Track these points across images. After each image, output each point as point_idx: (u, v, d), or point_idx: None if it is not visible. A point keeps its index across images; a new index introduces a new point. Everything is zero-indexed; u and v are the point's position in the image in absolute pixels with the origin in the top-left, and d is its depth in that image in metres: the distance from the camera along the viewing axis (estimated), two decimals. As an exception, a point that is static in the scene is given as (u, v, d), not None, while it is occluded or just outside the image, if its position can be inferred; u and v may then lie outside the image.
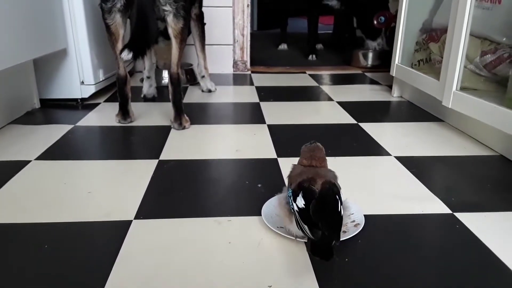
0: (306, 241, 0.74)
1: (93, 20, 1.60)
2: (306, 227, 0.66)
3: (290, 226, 0.74)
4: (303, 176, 0.73)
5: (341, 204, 0.70)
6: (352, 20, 3.05)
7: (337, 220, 0.68)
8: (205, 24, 1.84)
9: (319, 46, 3.09)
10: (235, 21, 2.27)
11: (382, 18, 2.31)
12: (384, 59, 2.35)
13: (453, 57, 1.31)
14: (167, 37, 1.75)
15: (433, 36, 1.61)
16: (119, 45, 1.33)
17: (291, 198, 0.71)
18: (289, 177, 0.78)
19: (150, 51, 1.73)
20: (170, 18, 1.29)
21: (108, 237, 0.79)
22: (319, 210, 0.67)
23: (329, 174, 0.75)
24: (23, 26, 1.28)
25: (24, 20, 1.29)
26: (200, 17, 1.79)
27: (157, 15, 1.32)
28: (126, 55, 1.15)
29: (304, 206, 0.68)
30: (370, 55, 2.45)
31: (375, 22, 2.34)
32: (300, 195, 0.70)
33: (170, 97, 1.38)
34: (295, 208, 0.70)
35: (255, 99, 1.79)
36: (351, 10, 2.71)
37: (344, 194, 0.74)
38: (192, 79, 2.06)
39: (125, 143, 1.31)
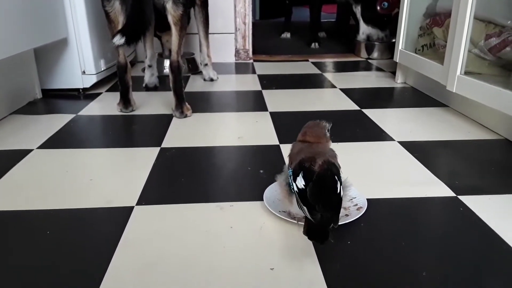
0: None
1: (94, 9, 1.59)
2: (305, 208, 0.65)
3: (291, 207, 0.73)
4: (302, 155, 0.71)
5: (341, 184, 0.69)
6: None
7: (335, 201, 0.67)
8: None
9: (322, 34, 3.06)
10: (237, 9, 2.25)
11: (386, 3, 2.28)
12: (388, 52, 2.32)
13: (457, 41, 1.29)
14: None
15: (437, 20, 1.59)
16: None
17: (291, 178, 0.71)
18: (289, 156, 0.77)
19: (151, 39, 1.72)
20: (169, 5, 1.28)
21: (110, 223, 0.79)
22: (316, 192, 0.66)
23: (329, 152, 0.73)
24: (22, 15, 1.27)
25: (24, 9, 1.28)
26: (205, 3, 1.78)
27: (156, 3, 1.30)
28: (118, 40, 1.13)
29: (303, 187, 0.67)
30: (375, 47, 2.40)
31: (378, 7, 2.31)
32: (300, 175, 0.68)
33: (171, 85, 1.37)
34: (295, 188, 0.69)
35: (258, 87, 1.78)
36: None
37: (346, 176, 0.74)
38: (193, 68, 2.05)
39: (126, 132, 1.31)
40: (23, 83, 1.51)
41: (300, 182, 0.68)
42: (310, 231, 0.64)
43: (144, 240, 0.73)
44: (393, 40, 2.29)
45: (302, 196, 0.67)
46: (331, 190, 0.67)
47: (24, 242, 0.73)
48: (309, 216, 0.65)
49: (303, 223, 0.73)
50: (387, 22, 2.37)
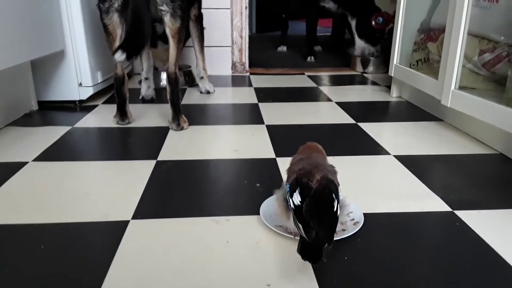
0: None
1: (91, 22, 1.59)
2: (300, 226, 0.65)
3: (287, 223, 0.73)
4: (300, 165, 0.71)
5: (338, 202, 0.69)
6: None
7: (331, 219, 0.66)
8: (204, 28, 1.84)
9: (318, 48, 3.09)
10: (233, 23, 2.27)
11: (380, 18, 2.31)
12: (383, 67, 2.34)
13: (452, 56, 1.30)
14: (166, 41, 1.75)
15: (431, 35, 1.61)
16: (117, 45, 1.32)
17: (288, 194, 0.70)
18: (287, 170, 0.77)
19: (147, 52, 1.73)
20: (167, 18, 1.29)
21: (105, 237, 0.78)
22: (312, 210, 0.65)
23: (328, 167, 0.73)
24: (20, 27, 1.28)
25: (22, 21, 1.29)
26: (199, 18, 1.79)
27: (154, 15, 1.31)
28: (119, 56, 1.14)
29: (299, 203, 0.67)
30: (370, 61, 2.41)
31: (373, 22, 2.33)
32: (297, 191, 0.68)
33: (168, 97, 1.37)
34: (291, 205, 0.69)
35: (254, 100, 1.79)
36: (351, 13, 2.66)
37: (343, 192, 0.74)
38: (190, 80, 2.05)
39: (123, 144, 1.31)
40: (19, 95, 1.51)
41: (297, 199, 0.68)
42: (304, 250, 0.63)
43: (140, 255, 0.73)
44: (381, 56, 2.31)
45: (298, 213, 0.66)
46: (328, 207, 0.67)
47: (19, 256, 0.72)
48: (303, 235, 0.64)
49: (299, 238, 0.72)
50: (379, 38, 2.40)
